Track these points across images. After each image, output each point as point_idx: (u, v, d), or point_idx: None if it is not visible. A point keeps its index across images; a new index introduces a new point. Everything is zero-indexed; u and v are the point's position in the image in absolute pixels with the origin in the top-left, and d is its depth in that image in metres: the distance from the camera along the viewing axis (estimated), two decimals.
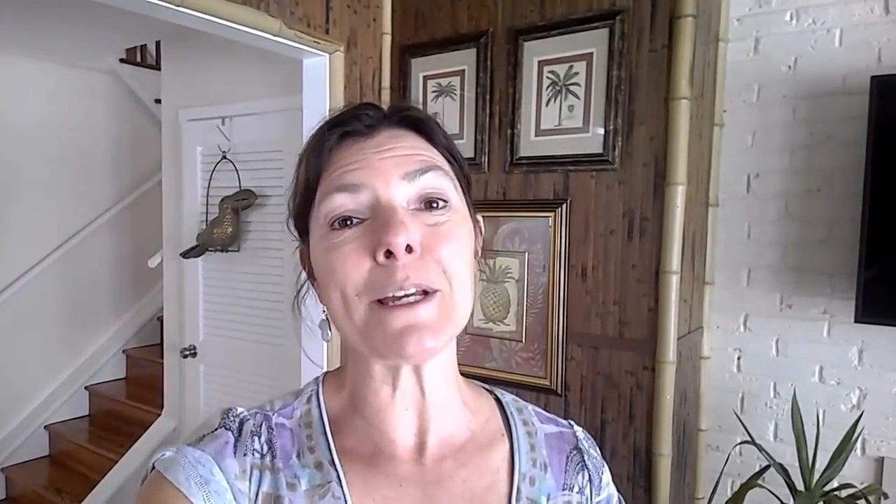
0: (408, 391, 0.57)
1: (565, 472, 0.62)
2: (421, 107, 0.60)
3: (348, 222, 0.52)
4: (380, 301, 0.51)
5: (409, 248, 0.49)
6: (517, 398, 0.68)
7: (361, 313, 0.52)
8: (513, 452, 0.61)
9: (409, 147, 0.55)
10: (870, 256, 1.63)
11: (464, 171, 0.60)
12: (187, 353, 2.81)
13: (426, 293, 0.51)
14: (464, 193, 0.58)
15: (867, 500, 1.55)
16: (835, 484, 1.64)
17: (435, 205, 0.53)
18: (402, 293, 0.50)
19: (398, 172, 0.53)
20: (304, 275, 0.63)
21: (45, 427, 3.53)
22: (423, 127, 0.57)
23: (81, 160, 3.63)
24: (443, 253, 0.52)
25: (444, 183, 0.55)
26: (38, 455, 3.50)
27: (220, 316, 2.76)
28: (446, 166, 0.57)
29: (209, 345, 2.80)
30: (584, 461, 0.64)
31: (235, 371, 2.71)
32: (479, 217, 0.61)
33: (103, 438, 3.40)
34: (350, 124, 0.55)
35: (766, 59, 1.89)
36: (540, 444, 0.63)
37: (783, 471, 1.66)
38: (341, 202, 0.52)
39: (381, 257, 0.50)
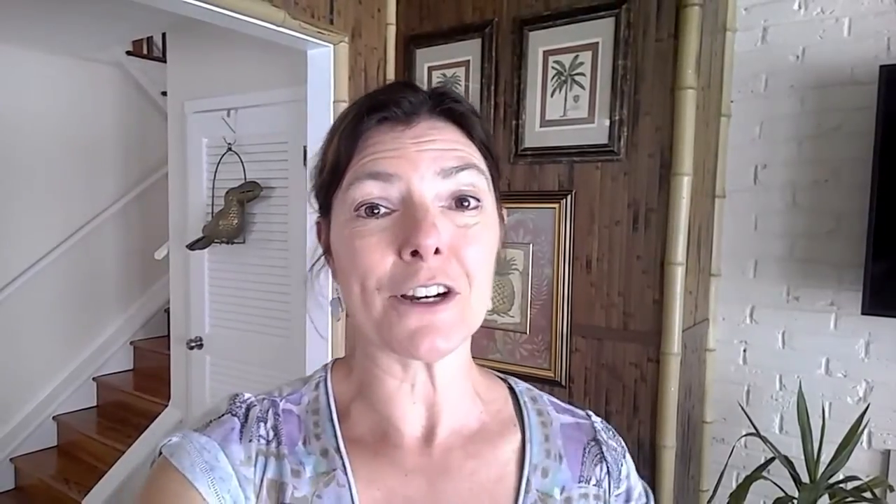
0: (418, 385, 0.56)
1: (582, 464, 0.60)
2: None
3: (376, 210, 0.51)
4: (400, 296, 0.50)
5: (436, 251, 0.48)
6: (532, 387, 0.66)
7: (379, 307, 0.51)
8: (524, 443, 0.59)
9: (448, 140, 0.53)
10: (877, 248, 1.61)
11: (498, 166, 0.58)
12: (193, 344, 2.82)
13: (447, 293, 0.50)
14: (495, 190, 0.57)
15: (873, 493, 1.54)
16: (840, 476, 1.64)
17: (467, 204, 0.52)
18: (423, 292, 0.49)
19: (434, 168, 0.51)
20: (319, 249, 0.62)
21: (54, 418, 3.56)
22: (464, 120, 0.55)
23: (88, 153, 3.65)
24: (468, 256, 0.51)
25: (478, 182, 0.53)
26: (47, 445, 3.54)
27: (225, 307, 2.77)
28: (482, 163, 0.55)
29: (215, 336, 2.82)
30: (602, 453, 0.62)
31: (241, 362, 2.72)
32: (504, 211, 0.60)
33: (111, 429, 3.44)
34: (388, 110, 0.53)
35: (773, 48, 1.87)
36: (555, 434, 0.61)
37: (788, 463, 1.65)
38: (370, 190, 0.51)
39: (406, 256, 0.49)
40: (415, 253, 0.48)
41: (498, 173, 0.58)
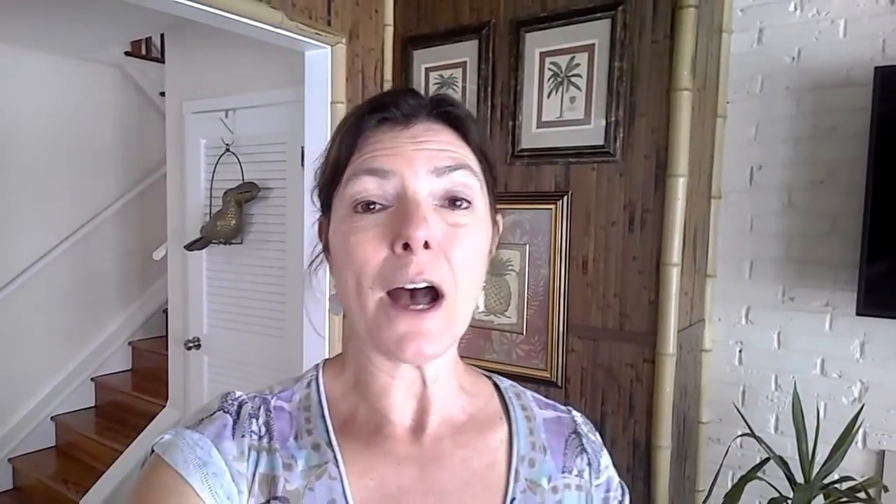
0: (408, 381, 0.58)
1: (564, 455, 0.63)
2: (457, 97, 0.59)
3: (371, 206, 0.53)
4: (390, 294, 0.52)
5: (426, 245, 0.50)
6: (515, 384, 0.68)
7: (372, 306, 0.52)
8: (511, 435, 0.61)
9: (443, 142, 0.55)
10: (872, 249, 1.62)
11: (493, 171, 0.60)
12: (191, 345, 2.83)
13: (434, 298, 0.52)
14: (489, 194, 0.58)
15: (867, 493, 1.54)
16: (835, 477, 1.64)
17: (459, 204, 0.54)
18: (411, 286, 0.51)
19: (429, 166, 0.53)
20: (318, 246, 0.64)
21: (52, 418, 3.56)
22: (460, 124, 0.57)
23: (87, 153, 3.65)
24: (456, 255, 0.52)
25: (471, 183, 0.55)
26: (45, 446, 3.54)
27: (223, 308, 2.77)
28: (476, 166, 0.57)
29: (213, 337, 2.82)
30: (582, 445, 0.64)
31: (239, 363, 2.72)
32: (500, 217, 0.62)
33: (109, 429, 3.43)
34: (388, 111, 0.55)
35: (769, 50, 1.87)
36: (538, 427, 0.63)
37: (783, 463, 1.66)
38: (367, 186, 0.53)
39: (398, 248, 0.50)
40: (406, 246, 0.50)
41: (493, 178, 0.60)
